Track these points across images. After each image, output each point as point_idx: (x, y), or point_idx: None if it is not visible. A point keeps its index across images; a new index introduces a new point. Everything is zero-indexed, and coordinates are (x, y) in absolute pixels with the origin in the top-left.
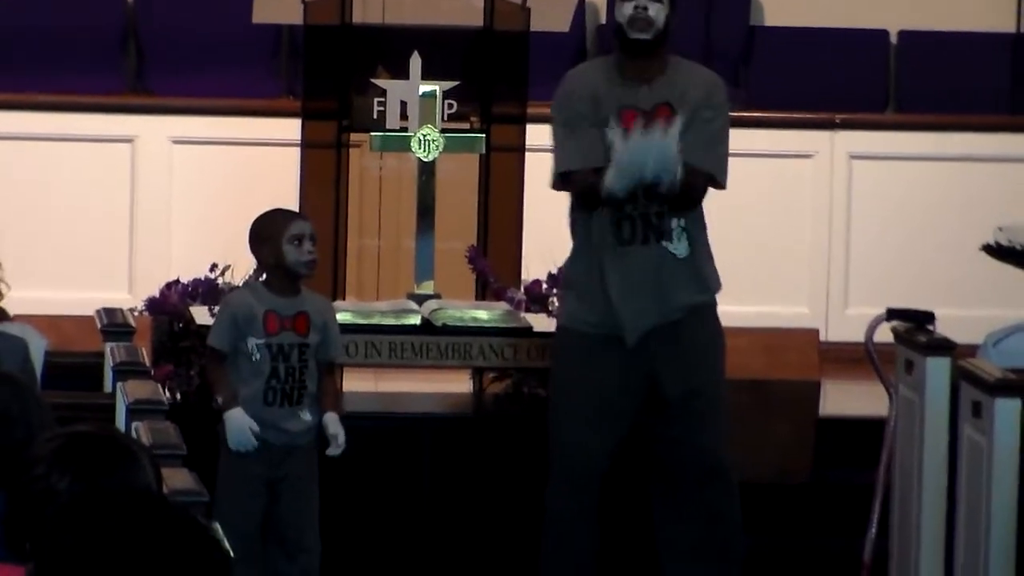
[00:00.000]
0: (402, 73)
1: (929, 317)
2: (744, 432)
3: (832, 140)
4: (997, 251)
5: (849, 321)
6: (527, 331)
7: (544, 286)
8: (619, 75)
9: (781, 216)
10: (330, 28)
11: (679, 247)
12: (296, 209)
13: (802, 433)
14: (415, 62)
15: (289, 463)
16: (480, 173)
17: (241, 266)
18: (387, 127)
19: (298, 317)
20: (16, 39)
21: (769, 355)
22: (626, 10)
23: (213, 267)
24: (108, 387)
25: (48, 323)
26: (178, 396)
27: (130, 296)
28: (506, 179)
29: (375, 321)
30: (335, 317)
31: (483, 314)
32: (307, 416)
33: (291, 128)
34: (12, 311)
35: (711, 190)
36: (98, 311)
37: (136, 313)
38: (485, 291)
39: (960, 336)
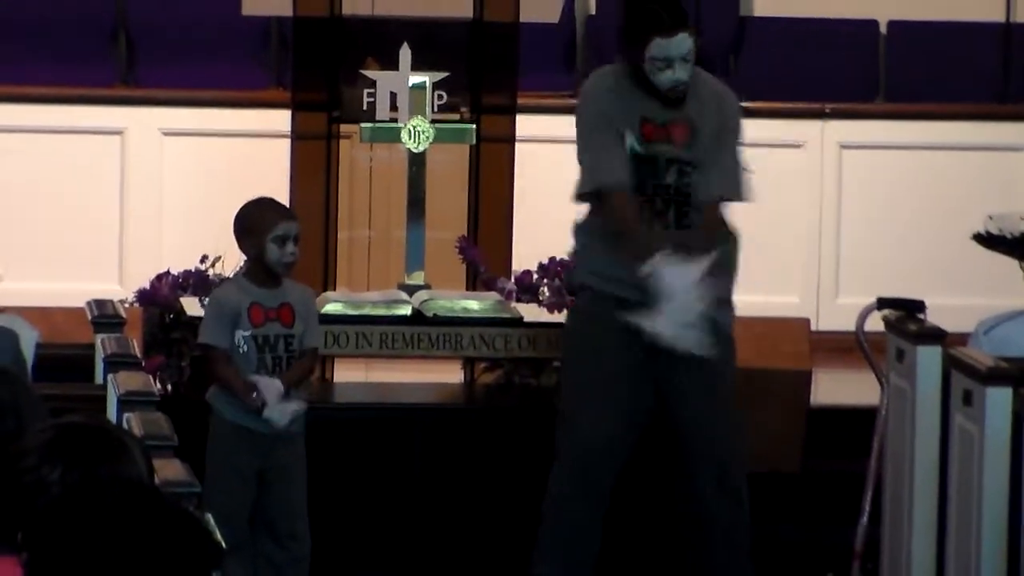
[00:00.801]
0: (392, 64)
1: (920, 306)
2: None
3: (822, 130)
4: (987, 240)
5: (840, 310)
6: (518, 321)
7: (535, 276)
8: (639, 86)
9: (771, 206)
10: (319, 19)
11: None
12: (287, 200)
13: (793, 422)
14: (405, 53)
15: (278, 452)
16: (470, 164)
17: (231, 257)
18: (377, 118)
19: (282, 308)
20: (5, 31)
21: (760, 344)
22: (664, 82)
23: (204, 258)
24: (99, 378)
25: (39, 314)
26: (169, 387)
27: (121, 287)
28: (496, 170)
29: (366, 312)
30: (316, 306)
31: (474, 304)
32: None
33: (281, 119)
34: (2, 302)
35: None
36: (89, 303)
37: (127, 304)
38: (476, 281)
39: (951, 324)
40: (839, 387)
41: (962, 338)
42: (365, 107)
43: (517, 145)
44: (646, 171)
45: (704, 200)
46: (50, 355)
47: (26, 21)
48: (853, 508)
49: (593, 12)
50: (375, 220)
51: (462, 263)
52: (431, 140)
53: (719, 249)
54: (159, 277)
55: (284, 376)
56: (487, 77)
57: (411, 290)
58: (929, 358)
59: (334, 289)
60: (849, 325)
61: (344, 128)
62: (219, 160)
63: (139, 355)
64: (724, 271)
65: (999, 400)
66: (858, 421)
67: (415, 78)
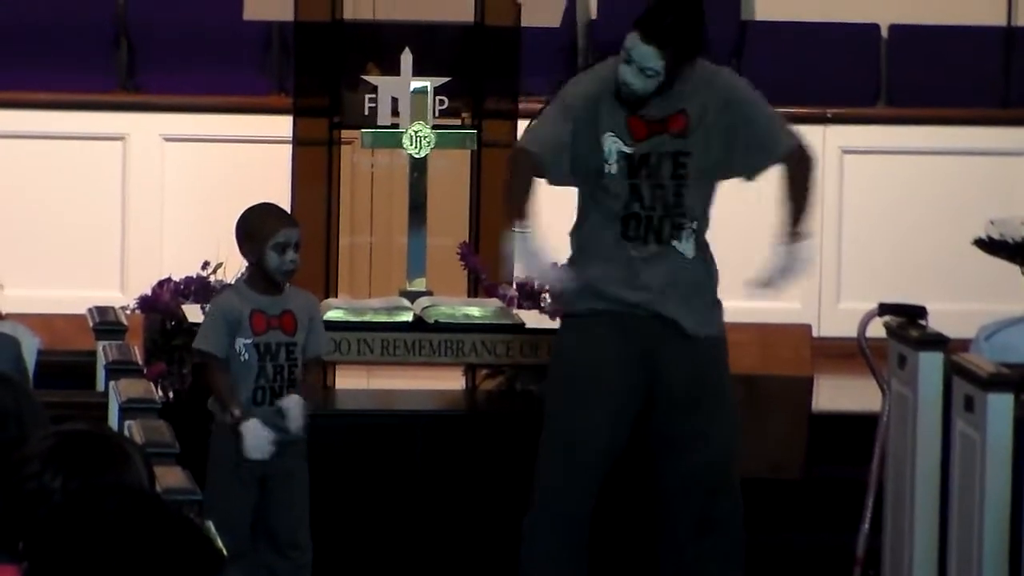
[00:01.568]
0: (393, 69)
1: (921, 312)
2: None
3: (824, 134)
4: (989, 245)
5: (841, 316)
6: (519, 327)
7: (536, 283)
8: None
9: (773, 210)
10: (321, 24)
11: (687, 247)
12: (288, 206)
13: (795, 428)
14: (406, 58)
15: (280, 460)
16: (472, 169)
17: (233, 264)
18: (378, 124)
19: (284, 316)
20: (6, 37)
21: (761, 350)
22: (621, 74)
23: (205, 265)
24: (100, 386)
25: (40, 321)
26: (170, 394)
27: (122, 294)
28: (498, 175)
29: (367, 318)
30: (320, 313)
31: (475, 311)
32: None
33: (282, 125)
34: (4, 310)
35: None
36: (90, 309)
37: (128, 311)
38: (477, 287)
39: (953, 330)
40: (841, 393)
41: (964, 344)
42: (367, 112)
43: None
44: (638, 171)
45: (774, 161)
46: (51, 362)
47: (27, 27)
48: (855, 514)
49: (594, 16)
50: (376, 226)
51: (463, 269)
52: (432, 145)
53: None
54: (160, 284)
55: (305, 396)
56: (488, 82)
57: (412, 296)
58: (931, 364)
59: (335, 296)
60: (851, 331)
61: (345, 134)
62: (220, 166)
63: (140, 362)
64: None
65: (1000, 406)
66: (860, 427)
67: (416, 83)
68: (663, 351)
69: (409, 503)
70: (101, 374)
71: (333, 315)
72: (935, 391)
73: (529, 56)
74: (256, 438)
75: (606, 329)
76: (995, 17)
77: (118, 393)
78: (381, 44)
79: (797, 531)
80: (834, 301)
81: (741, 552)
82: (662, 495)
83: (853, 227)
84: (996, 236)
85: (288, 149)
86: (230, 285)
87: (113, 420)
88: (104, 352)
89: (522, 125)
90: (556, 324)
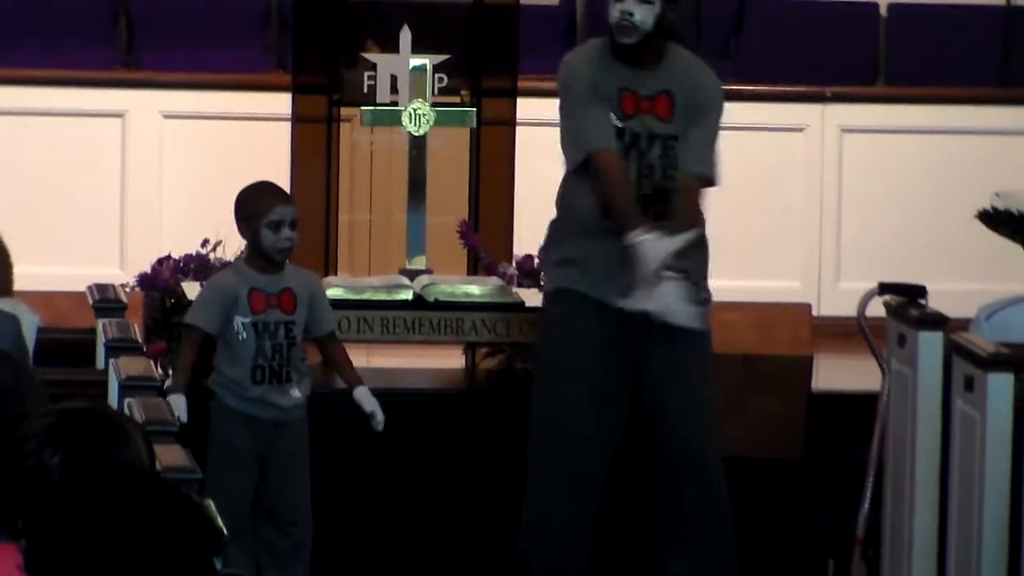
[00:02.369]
0: (392, 47)
1: (921, 291)
2: (735, 407)
3: (823, 113)
4: (993, 217)
5: (841, 295)
6: (519, 306)
7: (535, 261)
8: (617, 58)
9: (772, 190)
10: (320, 2)
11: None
12: (287, 183)
13: (794, 408)
14: (405, 36)
15: (280, 439)
16: (471, 147)
17: (233, 241)
18: (377, 101)
19: (283, 294)
20: (5, 14)
21: (761, 330)
22: (614, 13)
23: (205, 242)
24: (100, 363)
25: (40, 299)
26: (170, 372)
27: (122, 272)
28: (497, 153)
29: (367, 296)
30: (322, 290)
31: (475, 289)
32: (296, 392)
33: (282, 102)
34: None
35: None
36: (90, 287)
37: (128, 289)
38: (477, 266)
39: (952, 310)
40: (840, 373)
41: (964, 323)
42: (366, 90)
43: (518, 128)
44: (628, 150)
45: (679, 177)
46: (51, 340)
47: (26, 4)
48: (854, 494)
49: None
50: (376, 204)
51: (463, 247)
52: (432, 123)
53: (696, 231)
54: (160, 261)
55: (360, 382)
56: (488, 60)
57: (412, 275)
58: (930, 344)
59: (335, 273)
60: (850, 310)
61: (344, 111)
62: (220, 143)
63: (140, 340)
64: (701, 252)
65: (1000, 386)
66: (859, 407)
67: (415, 61)
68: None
69: (409, 481)
70: (101, 352)
71: (332, 293)
72: (935, 371)
73: (528, 34)
74: (176, 409)
75: (587, 316)
76: None
77: (118, 371)
78: (380, 21)
79: (797, 511)
80: (834, 280)
81: (728, 534)
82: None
83: (853, 206)
84: (1001, 208)
85: (287, 127)
86: (230, 263)
87: (113, 398)
88: (104, 330)
89: (521, 103)
90: None
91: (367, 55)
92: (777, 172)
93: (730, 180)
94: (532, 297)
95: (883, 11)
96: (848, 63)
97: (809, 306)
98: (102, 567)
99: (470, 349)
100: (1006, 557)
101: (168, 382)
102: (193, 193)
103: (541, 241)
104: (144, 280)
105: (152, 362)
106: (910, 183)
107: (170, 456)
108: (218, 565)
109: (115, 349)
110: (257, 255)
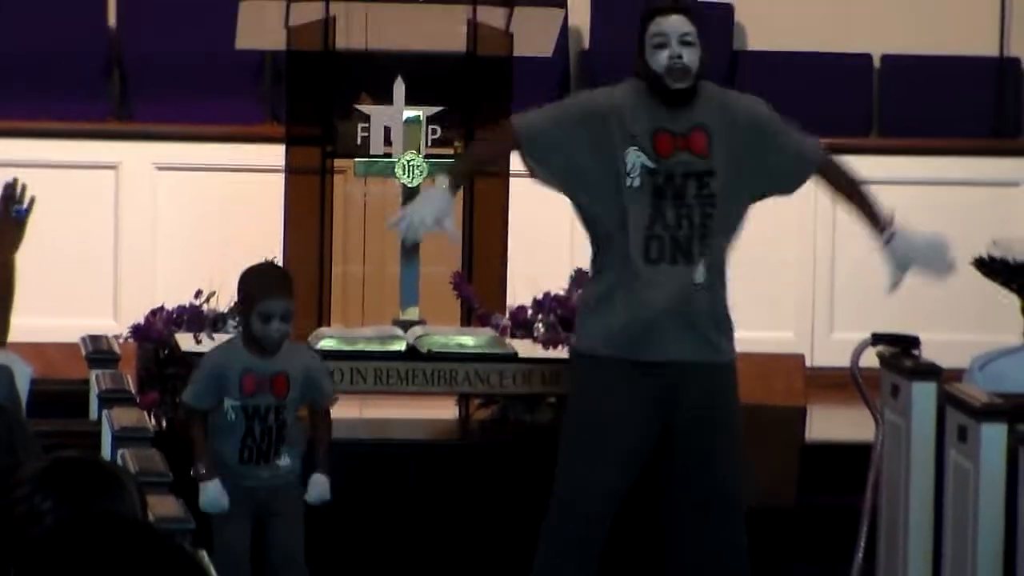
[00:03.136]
0: (386, 98)
1: (915, 341)
2: None
3: None
4: (988, 264)
5: (834, 346)
6: (512, 357)
7: (529, 312)
8: (661, 102)
9: (765, 241)
10: (313, 54)
11: (699, 271)
12: (281, 235)
13: (787, 458)
14: (399, 87)
15: (275, 500)
16: (464, 198)
17: (226, 292)
18: (371, 153)
19: (276, 377)
20: None
21: (754, 380)
22: (661, 59)
23: (198, 293)
24: (93, 415)
25: (33, 350)
26: (163, 423)
27: (115, 323)
28: (491, 204)
29: (360, 347)
30: (322, 369)
31: (468, 340)
32: (285, 461)
33: (275, 154)
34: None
35: None
36: (83, 338)
37: (121, 340)
38: (470, 317)
39: (946, 360)
40: (834, 423)
41: (957, 374)
42: (359, 141)
43: (511, 180)
44: (663, 190)
45: (811, 169)
46: (44, 391)
47: (20, 56)
48: (848, 544)
49: (586, 46)
50: (369, 255)
51: (456, 298)
52: (425, 175)
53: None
54: (153, 312)
55: (324, 469)
56: (481, 111)
57: (405, 326)
58: (924, 394)
59: (328, 324)
60: (844, 361)
61: (338, 163)
62: (213, 194)
63: (133, 391)
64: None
65: (994, 436)
66: (853, 457)
67: (409, 112)
68: (678, 388)
69: (402, 532)
70: (94, 403)
71: (326, 344)
72: (928, 421)
73: (521, 86)
74: (211, 500)
75: (618, 379)
76: (987, 48)
77: (111, 422)
78: (374, 73)
79: (791, 560)
80: (827, 331)
81: None
82: (668, 519)
83: (846, 257)
84: (997, 255)
85: (281, 178)
86: (229, 340)
87: (106, 449)
88: (97, 381)
89: (514, 156)
90: (549, 353)
91: (361, 107)
92: (770, 223)
93: None
94: (526, 348)
95: (876, 62)
96: (842, 114)
97: (803, 356)
98: None
99: (463, 400)
100: None
101: (193, 471)
102: (187, 244)
103: (536, 293)
104: (137, 331)
105: (145, 413)
106: None
107: (163, 507)
108: None
109: (108, 400)
110: (250, 339)
